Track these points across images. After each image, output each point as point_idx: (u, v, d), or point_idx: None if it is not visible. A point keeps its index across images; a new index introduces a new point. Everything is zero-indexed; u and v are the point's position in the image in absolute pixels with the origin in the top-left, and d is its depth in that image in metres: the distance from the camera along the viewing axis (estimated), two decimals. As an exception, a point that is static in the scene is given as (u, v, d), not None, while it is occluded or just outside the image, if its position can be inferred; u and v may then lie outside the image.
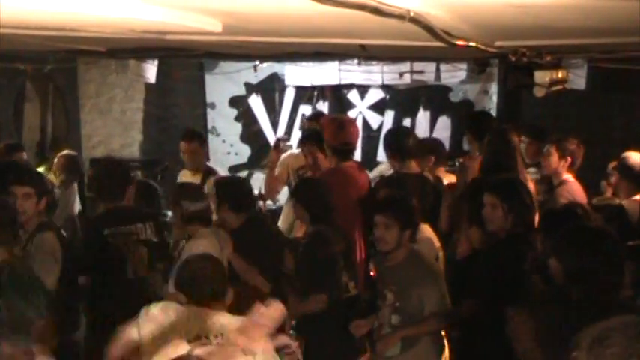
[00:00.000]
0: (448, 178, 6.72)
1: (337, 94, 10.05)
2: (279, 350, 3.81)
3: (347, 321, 5.12)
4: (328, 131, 6.28)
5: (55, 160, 8.03)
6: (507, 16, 4.14)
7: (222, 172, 7.85)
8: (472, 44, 5.27)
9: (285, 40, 5.80)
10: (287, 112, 10.09)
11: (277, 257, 5.54)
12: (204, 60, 9.48)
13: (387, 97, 10.03)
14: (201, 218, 5.29)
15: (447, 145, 8.58)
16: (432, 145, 7.21)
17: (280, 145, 7.06)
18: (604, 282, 3.32)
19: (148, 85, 9.56)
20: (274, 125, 10.11)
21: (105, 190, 5.43)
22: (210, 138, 10.00)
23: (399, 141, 6.34)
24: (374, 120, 10.05)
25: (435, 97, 9.97)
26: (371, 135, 9.92)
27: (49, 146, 9.64)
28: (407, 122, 9.93)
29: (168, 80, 9.83)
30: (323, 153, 6.38)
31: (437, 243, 5.56)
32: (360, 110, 10.05)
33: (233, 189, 5.60)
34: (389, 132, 7.29)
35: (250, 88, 10.09)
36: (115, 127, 9.87)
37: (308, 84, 9.92)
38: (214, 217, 5.52)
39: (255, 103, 10.13)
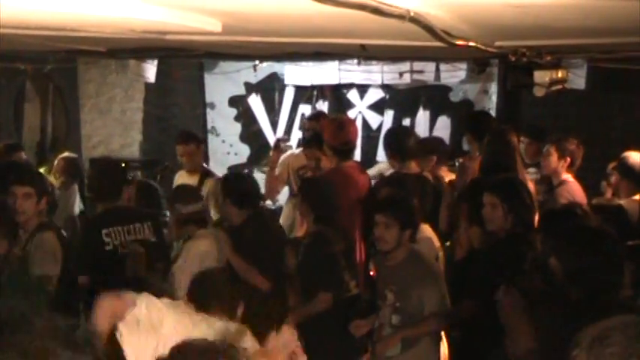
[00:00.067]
0: (450, 177, 6.69)
1: (337, 93, 10.02)
2: None
3: (347, 321, 5.12)
4: (328, 131, 6.29)
5: (55, 162, 8.03)
6: (507, 16, 4.14)
7: (222, 172, 7.85)
8: (472, 44, 5.27)
9: (285, 40, 5.80)
10: (287, 112, 10.07)
11: (278, 255, 5.53)
12: (204, 60, 9.47)
13: (387, 96, 10.00)
14: (195, 220, 5.30)
15: (446, 145, 8.56)
16: (433, 144, 7.17)
17: (280, 145, 7.07)
18: (604, 282, 3.31)
19: (147, 85, 9.56)
20: (274, 125, 10.09)
21: (101, 190, 5.44)
22: (210, 138, 10.01)
23: (399, 141, 6.34)
24: (373, 120, 10.02)
25: (435, 97, 9.93)
26: (370, 135, 9.89)
27: (49, 146, 9.65)
28: (406, 122, 9.88)
29: (168, 80, 9.84)
30: (324, 154, 6.39)
31: (437, 243, 5.56)
32: (360, 110, 10.02)
33: (237, 184, 5.62)
34: (389, 132, 7.28)
35: (250, 87, 10.07)
36: (114, 127, 9.87)
37: (308, 84, 9.89)
38: (214, 217, 5.52)
39: (255, 102, 10.11)
